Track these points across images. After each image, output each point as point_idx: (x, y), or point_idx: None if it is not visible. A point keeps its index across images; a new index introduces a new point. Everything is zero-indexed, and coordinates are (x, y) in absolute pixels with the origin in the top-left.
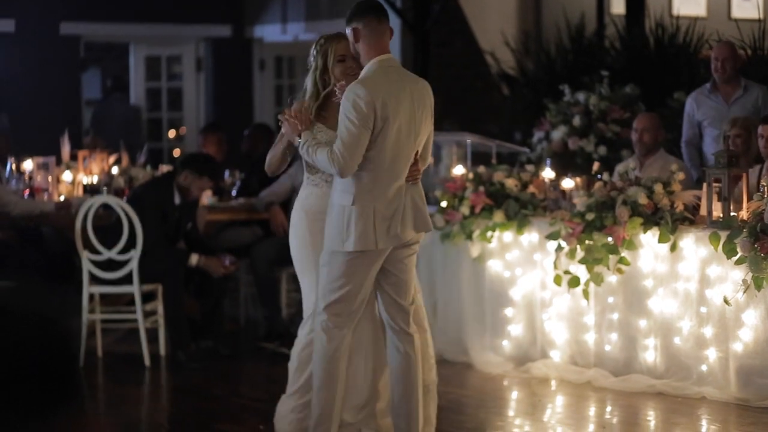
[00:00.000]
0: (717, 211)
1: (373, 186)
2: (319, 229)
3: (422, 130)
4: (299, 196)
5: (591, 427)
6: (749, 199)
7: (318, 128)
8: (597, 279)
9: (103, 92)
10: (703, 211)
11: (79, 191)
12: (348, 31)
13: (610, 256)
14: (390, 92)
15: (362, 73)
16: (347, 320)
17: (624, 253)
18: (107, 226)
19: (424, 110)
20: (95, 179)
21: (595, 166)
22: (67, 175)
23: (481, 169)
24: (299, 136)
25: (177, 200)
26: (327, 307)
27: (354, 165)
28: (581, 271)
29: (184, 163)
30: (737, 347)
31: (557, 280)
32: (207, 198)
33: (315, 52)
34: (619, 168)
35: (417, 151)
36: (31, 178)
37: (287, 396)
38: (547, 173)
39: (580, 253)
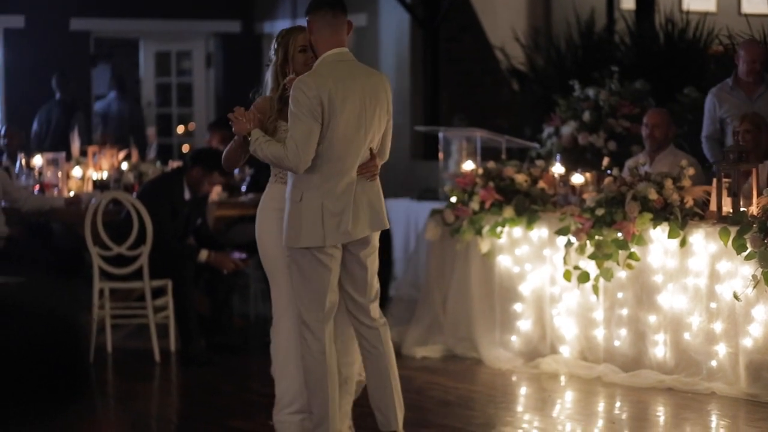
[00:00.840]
0: (727, 207)
1: (321, 181)
2: None
3: (374, 125)
4: (267, 194)
5: (600, 422)
6: (759, 194)
7: (282, 126)
8: (606, 274)
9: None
10: (713, 207)
11: (89, 187)
12: (307, 26)
13: (620, 252)
14: (336, 86)
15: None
16: (322, 320)
17: (634, 249)
18: (117, 222)
19: (378, 104)
20: (105, 175)
21: (605, 161)
22: (76, 171)
23: (491, 164)
24: (249, 135)
25: (187, 196)
26: (301, 309)
27: (308, 159)
28: (591, 267)
29: (194, 159)
30: (747, 343)
31: (567, 276)
32: (216, 194)
33: (275, 46)
34: (629, 163)
35: (372, 147)
36: (40, 173)
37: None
38: (557, 169)
39: (589, 249)
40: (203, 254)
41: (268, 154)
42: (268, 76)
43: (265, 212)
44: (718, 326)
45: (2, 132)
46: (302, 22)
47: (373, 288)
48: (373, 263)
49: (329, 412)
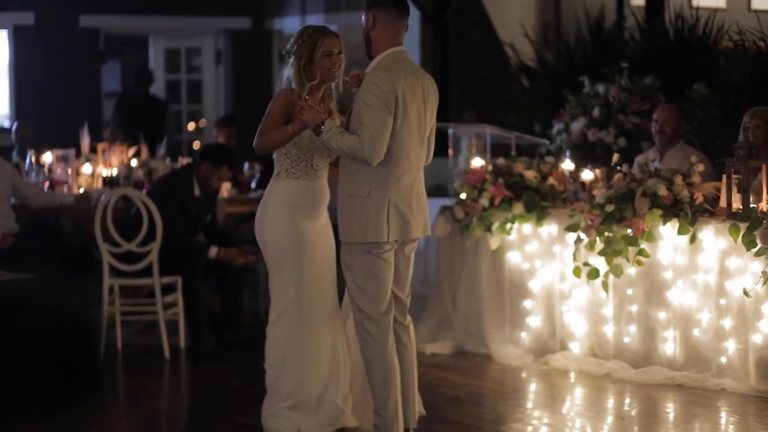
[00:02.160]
0: (736, 203)
1: (389, 177)
2: (310, 222)
3: (428, 124)
4: (277, 189)
5: (610, 419)
6: None
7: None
8: (616, 271)
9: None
10: (723, 203)
11: (99, 184)
12: (364, 17)
13: (630, 248)
14: (405, 82)
15: (375, 62)
16: (386, 313)
17: (643, 245)
18: (126, 219)
19: (431, 105)
20: (115, 172)
21: (615, 157)
22: (86, 168)
23: (501, 160)
24: (322, 124)
25: (197, 192)
26: (362, 306)
27: (382, 150)
28: (600, 263)
29: (202, 155)
30: (757, 339)
31: (576, 272)
32: (226, 190)
33: (300, 42)
34: (639, 159)
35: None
36: (50, 170)
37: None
38: (567, 165)
39: (599, 245)
40: (213, 251)
41: (342, 144)
42: (289, 73)
43: (276, 208)
44: (727, 322)
45: (14, 128)
46: (311, 18)
47: (408, 284)
48: (412, 258)
49: (397, 407)
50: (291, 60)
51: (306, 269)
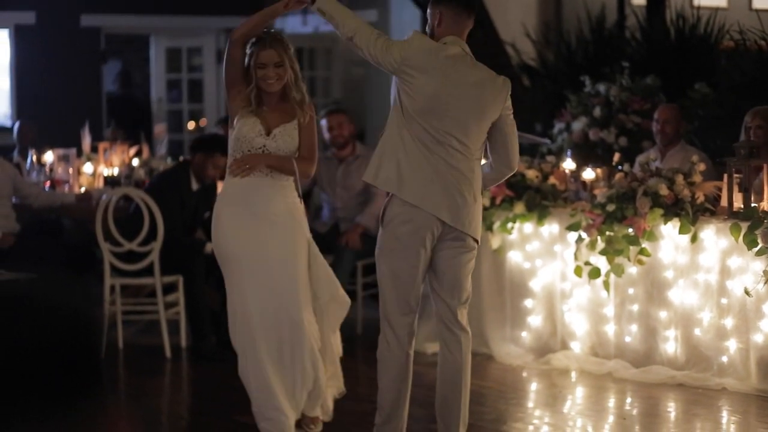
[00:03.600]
0: (738, 202)
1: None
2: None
3: (472, 119)
4: (284, 193)
5: (611, 418)
6: None
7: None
8: (617, 270)
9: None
10: (724, 202)
11: (100, 183)
12: (430, 13)
13: (631, 248)
14: (442, 66)
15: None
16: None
17: (644, 245)
18: (126, 216)
19: (478, 101)
20: (116, 171)
21: (616, 157)
22: (87, 167)
23: None
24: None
25: (194, 186)
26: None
27: (382, 55)
28: (602, 263)
29: (194, 147)
30: (758, 338)
31: (577, 272)
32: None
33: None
34: (640, 159)
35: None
36: (51, 170)
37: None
38: (568, 164)
39: (600, 245)
40: (208, 246)
41: (348, 22)
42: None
43: (292, 213)
44: (728, 322)
45: (16, 128)
46: (313, 18)
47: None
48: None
49: (400, 412)
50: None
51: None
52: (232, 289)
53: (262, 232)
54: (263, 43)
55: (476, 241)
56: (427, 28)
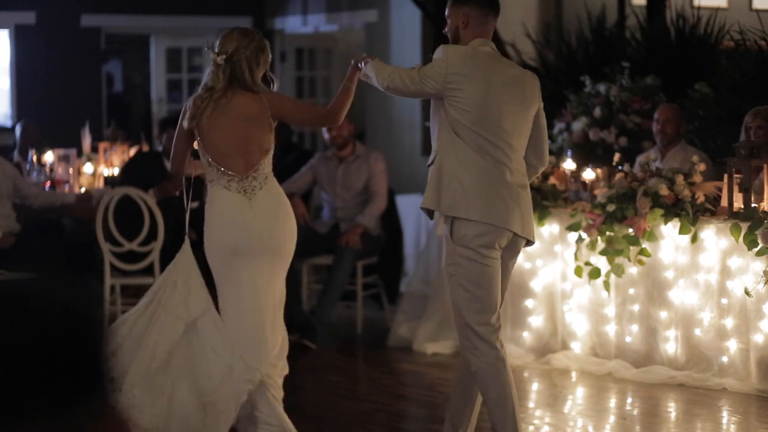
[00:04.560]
0: (738, 203)
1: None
2: None
3: (512, 120)
4: (285, 200)
5: (611, 418)
6: None
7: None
8: (618, 270)
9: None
10: (724, 203)
11: (100, 183)
12: (453, 14)
13: (631, 248)
14: (482, 70)
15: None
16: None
17: (645, 245)
18: (129, 218)
19: (519, 100)
20: (116, 171)
21: (616, 157)
22: (88, 167)
23: None
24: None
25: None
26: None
27: (420, 90)
28: (602, 263)
29: (162, 127)
30: (758, 339)
31: (578, 272)
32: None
33: (255, 44)
34: (640, 159)
35: None
36: (52, 170)
37: None
38: (568, 164)
39: (600, 245)
40: (155, 195)
41: (385, 74)
42: (249, 78)
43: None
44: (729, 322)
45: (20, 127)
46: (313, 18)
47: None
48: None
49: (516, 424)
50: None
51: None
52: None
53: None
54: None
55: (532, 243)
56: (446, 30)
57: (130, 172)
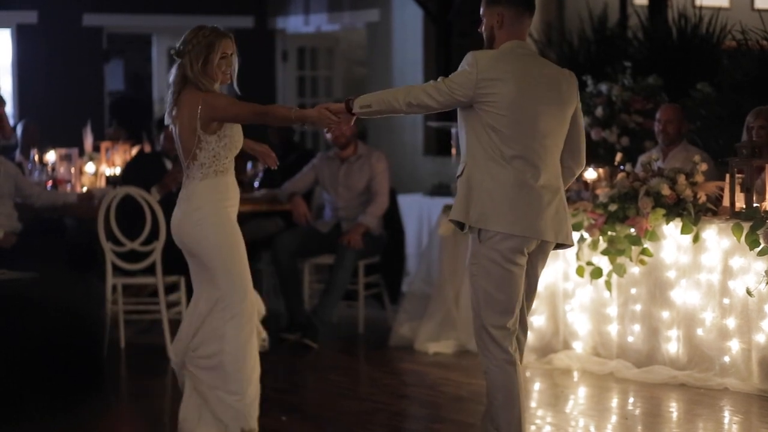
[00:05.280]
0: (740, 202)
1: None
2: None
3: (551, 121)
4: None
5: (613, 418)
6: None
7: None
8: (619, 270)
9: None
10: (726, 202)
11: (102, 182)
12: (488, 13)
13: (633, 248)
14: (516, 71)
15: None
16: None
17: (647, 245)
18: (129, 217)
19: (557, 100)
20: (118, 170)
21: (618, 157)
22: (89, 167)
23: None
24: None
25: (169, 167)
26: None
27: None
28: (604, 263)
29: (160, 126)
30: (760, 339)
31: (580, 272)
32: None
33: (195, 43)
34: (642, 159)
35: None
36: (53, 169)
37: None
38: None
39: (602, 245)
40: (155, 193)
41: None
42: (188, 74)
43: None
44: (731, 322)
45: (22, 126)
46: (315, 17)
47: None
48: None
49: (522, 429)
50: (181, 61)
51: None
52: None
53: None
54: (219, 32)
55: (570, 246)
56: (481, 29)
57: (131, 172)
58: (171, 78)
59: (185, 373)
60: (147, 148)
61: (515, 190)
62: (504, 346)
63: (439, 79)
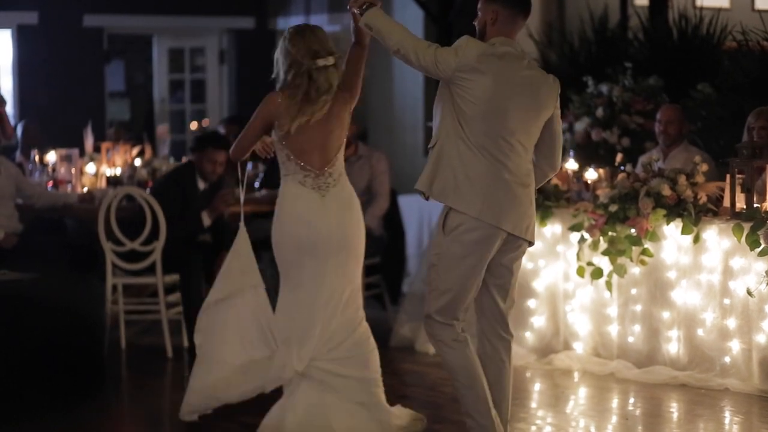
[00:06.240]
0: (740, 203)
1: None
2: None
3: (526, 121)
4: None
5: (614, 418)
6: None
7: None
8: (620, 270)
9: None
10: (727, 203)
11: (103, 183)
12: (483, 9)
13: (633, 248)
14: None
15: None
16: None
17: (647, 245)
18: (128, 217)
19: (536, 101)
20: (118, 171)
21: (619, 157)
22: (90, 167)
23: None
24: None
25: (201, 186)
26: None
27: (437, 66)
28: (604, 263)
29: (191, 149)
30: (760, 339)
31: (580, 272)
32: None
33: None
34: (643, 159)
35: None
36: (54, 170)
37: None
38: (571, 165)
39: (603, 245)
40: (205, 219)
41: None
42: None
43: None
44: (731, 322)
45: (21, 127)
46: (315, 18)
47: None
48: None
49: (489, 405)
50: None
51: None
52: None
53: None
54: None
55: (531, 244)
56: (475, 23)
57: (167, 189)
58: (322, 82)
59: (304, 382)
60: (148, 150)
61: (480, 176)
62: (452, 326)
63: (434, 45)
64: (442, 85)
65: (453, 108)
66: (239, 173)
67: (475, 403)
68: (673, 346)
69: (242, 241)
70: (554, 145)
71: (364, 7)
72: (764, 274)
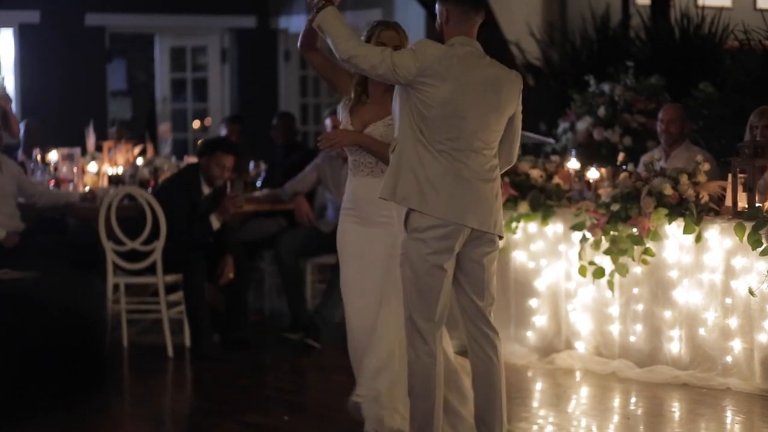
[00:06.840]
0: (742, 202)
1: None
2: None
3: (491, 118)
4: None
5: (615, 418)
6: None
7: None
8: (622, 270)
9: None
10: (728, 202)
11: (104, 182)
12: (438, 9)
13: (635, 247)
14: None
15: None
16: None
17: (649, 244)
18: (131, 217)
19: (496, 98)
20: (120, 170)
21: (620, 156)
22: (92, 166)
23: None
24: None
25: (206, 190)
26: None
27: (395, 72)
28: (606, 262)
29: (199, 153)
30: (762, 338)
31: (582, 271)
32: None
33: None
34: (645, 159)
35: None
36: (56, 169)
37: None
38: (572, 164)
39: (604, 244)
40: (214, 221)
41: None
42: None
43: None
44: (733, 322)
45: (23, 127)
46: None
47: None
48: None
49: (434, 421)
50: None
51: None
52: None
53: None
54: (386, 24)
55: (501, 237)
56: (436, 25)
57: (172, 193)
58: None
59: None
60: (149, 149)
61: (441, 176)
62: (427, 339)
63: (387, 50)
64: (400, 88)
65: (411, 111)
66: None
67: (420, 414)
68: (675, 345)
69: None
70: (513, 141)
71: (319, 6)
72: (766, 273)
